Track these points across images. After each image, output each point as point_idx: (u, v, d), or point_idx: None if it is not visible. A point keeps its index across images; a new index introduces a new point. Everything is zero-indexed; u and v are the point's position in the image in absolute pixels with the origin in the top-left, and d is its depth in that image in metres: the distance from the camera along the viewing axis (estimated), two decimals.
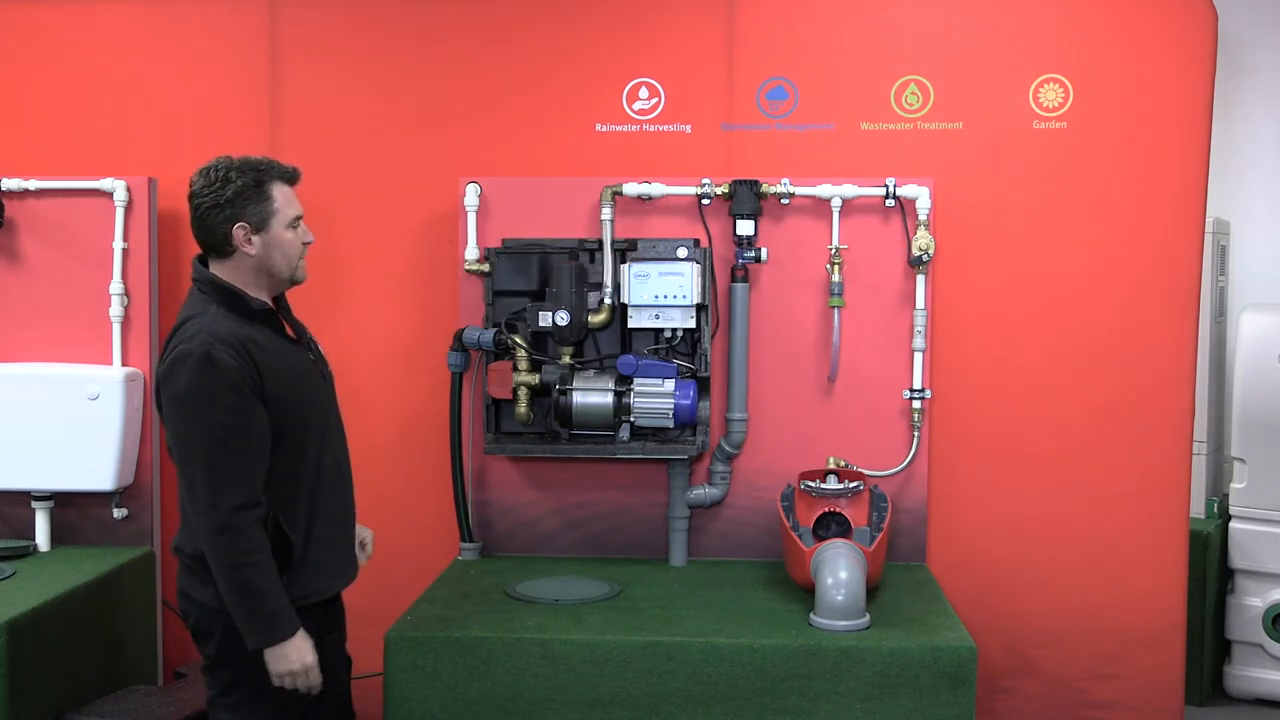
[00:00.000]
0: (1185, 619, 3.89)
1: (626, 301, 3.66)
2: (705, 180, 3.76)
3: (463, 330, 3.76)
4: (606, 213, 3.72)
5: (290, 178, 2.77)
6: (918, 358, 3.78)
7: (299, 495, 2.74)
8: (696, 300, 3.65)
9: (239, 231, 2.69)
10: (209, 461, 2.57)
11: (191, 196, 2.71)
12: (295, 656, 2.64)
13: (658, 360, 3.68)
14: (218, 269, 2.74)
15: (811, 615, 3.18)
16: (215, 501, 2.57)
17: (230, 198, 2.67)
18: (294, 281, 2.81)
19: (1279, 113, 5.18)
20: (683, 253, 3.66)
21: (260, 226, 2.70)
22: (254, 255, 2.71)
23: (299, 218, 2.77)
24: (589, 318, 3.66)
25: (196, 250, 3.87)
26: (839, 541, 3.30)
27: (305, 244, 2.80)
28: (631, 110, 3.92)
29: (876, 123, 3.86)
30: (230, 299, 2.71)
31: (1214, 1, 3.78)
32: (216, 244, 2.71)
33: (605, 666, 3.04)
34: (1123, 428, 3.83)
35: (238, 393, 2.59)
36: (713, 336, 3.75)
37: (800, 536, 3.42)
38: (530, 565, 3.78)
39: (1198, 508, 4.66)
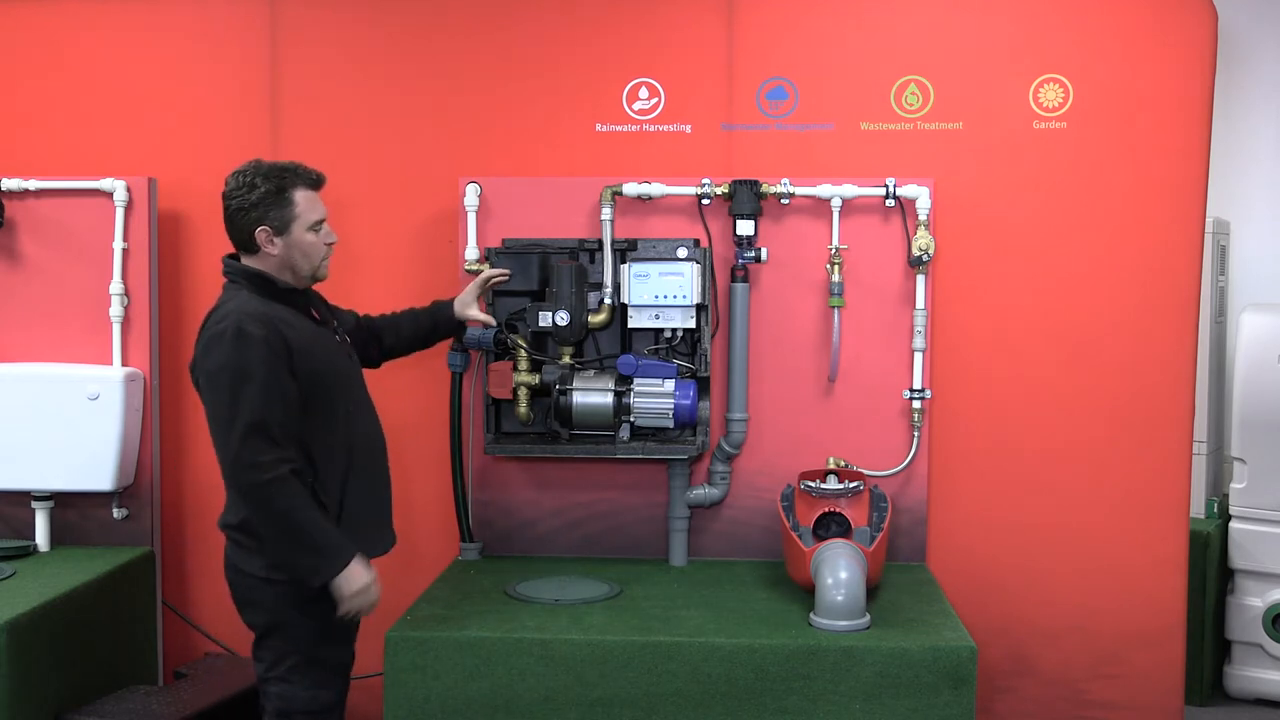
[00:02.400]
0: (1185, 619, 3.89)
1: (626, 301, 3.66)
2: (705, 180, 3.76)
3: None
4: (606, 213, 3.72)
5: (313, 183, 2.95)
6: (918, 358, 3.78)
7: (332, 467, 2.89)
8: (696, 300, 3.65)
9: (262, 234, 2.87)
10: (247, 424, 2.71)
11: (223, 197, 2.90)
12: (359, 577, 2.80)
13: (658, 360, 3.68)
14: (248, 262, 2.92)
15: (811, 615, 3.18)
16: (255, 460, 2.71)
17: (255, 202, 2.86)
18: (315, 279, 3.00)
19: (1279, 113, 5.18)
20: (683, 253, 3.66)
21: (282, 230, 2.88)
22: (277, 255, 2.89)
23: (320, 221, 2.94)
24: (589, 318, 3.66)
25: (197, 250, 3.96)
26: (839, 541, 3.30)
27: (328, 244, 2.98)
28: (631, 110, 3.92)
29: (876, 123, 3.86)
30: (257, 281, 2.89)
31: (1214, 1, 3.78)
32: (244, 242, 2.90)
33: (605, 666, 3.04)
34: (1123, 427, 3.83)
35: (269, 363, 2.75)
36: (713, 336, 3.75)
37: (800, 536, 3.42)
38: (530, 565, 3.78)
39: (1198, 508, 4.66)
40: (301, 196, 2.89)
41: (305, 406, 2.82)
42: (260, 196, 2.84)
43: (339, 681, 2.96)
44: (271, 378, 2.74)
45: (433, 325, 3.51)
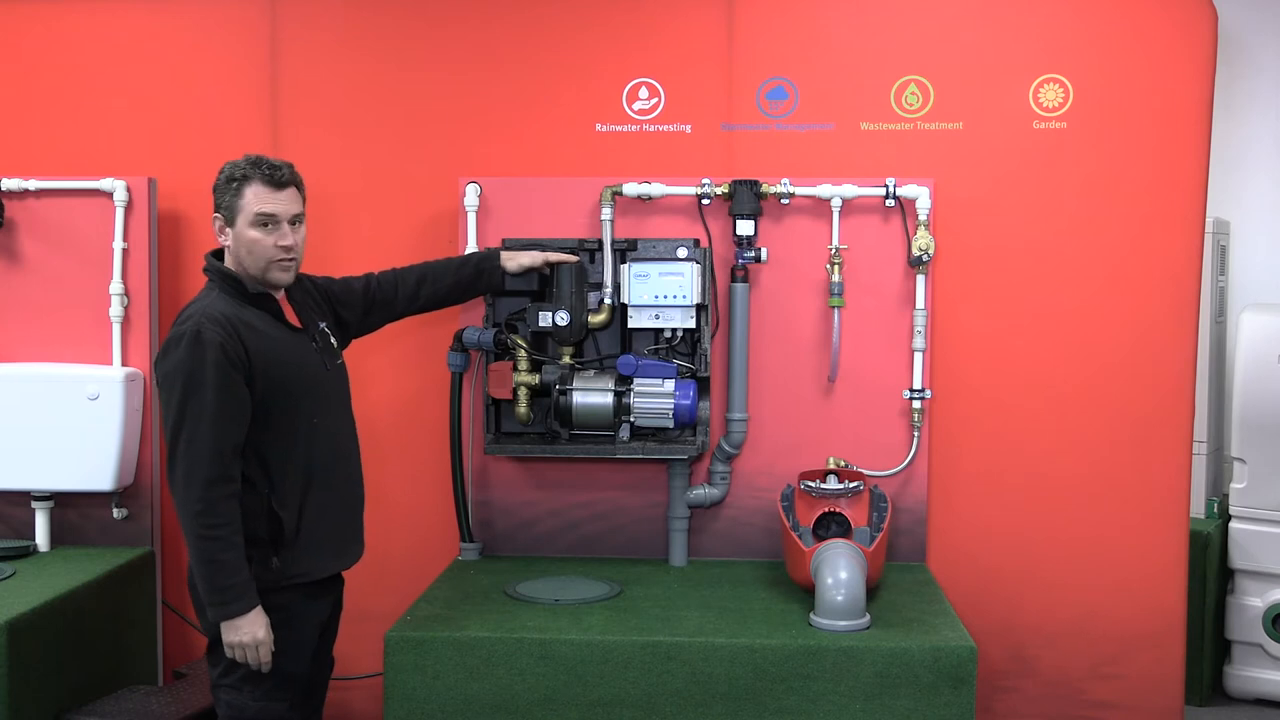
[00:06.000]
0: (1185, 619, 3.89)
1: (626, 301, 3.66)
2: (705, 180, 3.76)
3: (463, 330, 3.76)
4: (606, 213, 3.72)
5: (269, 178, 2.83)
6: (918, 358, 3.78)
7: (291, 477, 2.83)
8: (696, 300, 3.65)
9: (215, 222, 2.86)
10: (189, 437, 2.68)
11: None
12: (247, 629, 2.73)
13: (658, 360, 3.68)
14: (227, 259, 2.91)
15: (811, 615, 3.18)
16: (190, 475, 2.67)
17: (216, 188, 2.86)
18: (267, 283, 2.88)
19: (1279, 113, 5.18)
20: (683, 253, 3.66)
21: (230, 221, 2.85)
22: (230, 247, 2.87)
23: (266, 217, 2.81)
24: (589, 318, 3.66)
25: (197, 250, 3.96)
26: (839, 541, 3.30)
27: (280, 246, 2.83)
28: (631, 110, 3.92)
29: (876, 123, 3.86)
30: (229, 282, 2.86)
31: (1214, 1, 3.78)
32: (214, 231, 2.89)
33: (605, 666, 3.04)
34: (1123, 428, 3.83)
35: (222, 371, 2.70)
36: (713, 336, 3.75)
37: (800, 536, 3.42)
38: (530, 565, 3.78)
39: (1198, 508, 4.66)
40: (252, 190, 2.81)
41: (265, 416, 2.77)
42: (219, 184, 2.84)
43: (291, 693, 2.88)
44: (223, 389, 2.69)
45: (475, 275, 3.43)
